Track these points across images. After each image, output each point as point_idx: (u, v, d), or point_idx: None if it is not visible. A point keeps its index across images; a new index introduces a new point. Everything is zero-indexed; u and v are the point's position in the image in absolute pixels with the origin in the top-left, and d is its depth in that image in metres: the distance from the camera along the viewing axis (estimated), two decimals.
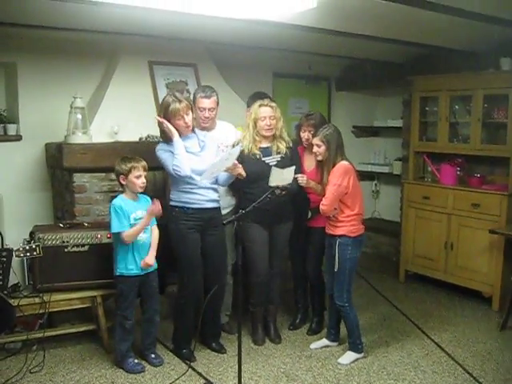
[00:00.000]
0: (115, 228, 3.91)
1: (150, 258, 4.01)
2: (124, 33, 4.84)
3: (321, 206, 4.09)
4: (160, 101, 5.08)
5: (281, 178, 4.03)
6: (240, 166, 4.02)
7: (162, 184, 4.87)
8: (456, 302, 5.56)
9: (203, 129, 4.35)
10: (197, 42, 5.28)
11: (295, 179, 4.15)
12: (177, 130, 3.97)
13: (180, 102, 3.92)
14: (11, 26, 4.38)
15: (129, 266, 3.96)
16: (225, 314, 4.72)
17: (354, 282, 4.31)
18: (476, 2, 3.91)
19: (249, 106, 4.64)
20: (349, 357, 4.25)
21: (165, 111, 3.96)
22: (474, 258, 5.43)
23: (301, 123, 4.57)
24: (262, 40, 5.23)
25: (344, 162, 4.10)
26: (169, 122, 3.96)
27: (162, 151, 4.02)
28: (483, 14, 4.14)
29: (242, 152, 4.23)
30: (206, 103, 4.34)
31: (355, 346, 4.27)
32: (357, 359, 4.25)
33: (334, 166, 4.08)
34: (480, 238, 5.36)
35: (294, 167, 4.11)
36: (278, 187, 3.96)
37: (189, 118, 3.97)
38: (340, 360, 4.24)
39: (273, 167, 4.10)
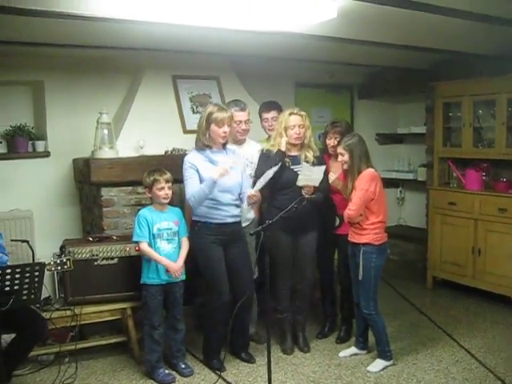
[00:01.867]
0: (135, 237, 4.05)
1: (177, 264, 4.05)
2: (147, 48, 4.92)
3: (347, 212, 4.11)
4: (184, 114, 5.20)
5: (310, 177, 4.13)
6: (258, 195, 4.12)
7: None
8: (485, 307, 5.51)
9: (238, 141, 4.49)
10: (219, 54, 5.33)
11: (322, 187, 4.25)
12: (212, 138, 4.07)
13: (226, 111, 4.08)
14: (38, 46, 4.50)
15: (150, 275, 4.03)
16: (250, 326, 4.73)
17: (382, 289, 4.31)
18: (496, 5, 3.90)
19: (260, 115, 4.81)
20: (378, 364, 4.24)
21: (208, 116, 4.05)
22: (503, 262, 5.38)
23: (327, 130, 4.64)
24: (283, 51, 5.27)
25: (370, 170, 4.13)
26: (208, 128, 4.06)
27: (189, 169, 4.06)
28: (503, 17, 4.13)
29: (274, 156, 4.31)
30: (241, 116, 4.45)
31: (384, 354, 4.26)
32: (386, 367, 4.24)
33: (359, 173, 4.11)
34: (508, 243, 5.31)
35: (324, 166, 4.23)
36: (305, 198, 4.01)
37: (227, 130, 4.07)
38: (369, 368, 4.24)
39: (303, 163, 4.18)
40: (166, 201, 4.09)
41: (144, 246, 4.02)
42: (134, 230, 4.07)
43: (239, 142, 4.56)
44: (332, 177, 4.35)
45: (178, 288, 4.12)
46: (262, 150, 4.46)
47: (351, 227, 4.22)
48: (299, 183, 4.16)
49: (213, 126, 4.04)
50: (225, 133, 4.06)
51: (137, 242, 4.06)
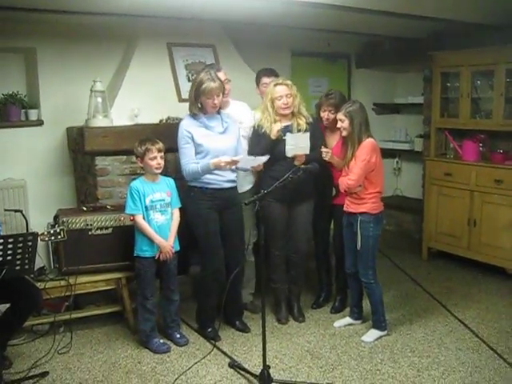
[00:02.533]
0: (128, 210, 4.01)
1: (169, 243, 4.03)
2: (142, 15, 4.84)
3: (347, 181, 4.09)
4: (179, 82, 5.14)
5: (297, 145, 4.12)
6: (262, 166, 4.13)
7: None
8: (480, 278, 5.53)
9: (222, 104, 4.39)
10: (215, 21, 5.26)
11: (316, 156, 4.24)
12: (203, 107, 4.03)
13: (215, 81, 3.97)
14: (30, 11, 4.41)
15: (143, 247, 4.01)
16: (248, 293, 4.76)
17: (377, 259, 4.31)
18: None
19: (256, 82, 4.68)
20: (372, 334, 4.27)
21: (197, 87, 3.99)
22: (498, 234, 5.38)
23: (321, 103, 4.56)
24: (279, 18, 5.19)
25: (371, 140, 4.11)
26: (198, 98, 4.00)
27: (184, 137, 4.04)
28: None
29: (264, 133, 4.26)
30: (220, 76, 4.30)
31: (379, 324, 4.28)
32: (380, 337, 4.26)
33: (359, 142, 4.08)
34: (503, 215, 5.31)
35: (308, 134, 4.19)
36: (300, 168, 3.97)
37: (218, 100, 4.02)
38: (364, 338, 4.26)
39: (288, 134, 4.14)
40: (159, 171, 4.04)
41: (139, 219, 3.98)
42: (126, 203, 4.02)
43: (223, 105, 4.41)
44: (328, 155, 4.30)
45: (172, 259, 4.10)
46: (254, 126, 4.40)
47: (348, 197, 4.21)
48: (288, 154, 4.13)
49: (202, 98, 3.99)
50: (215, 104, 4.02)
51: (131, 215, 4.02)
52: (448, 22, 5.39)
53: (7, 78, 5.12)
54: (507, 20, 5.29)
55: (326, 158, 4.30)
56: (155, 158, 3.98)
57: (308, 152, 4.19)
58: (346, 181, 4.12)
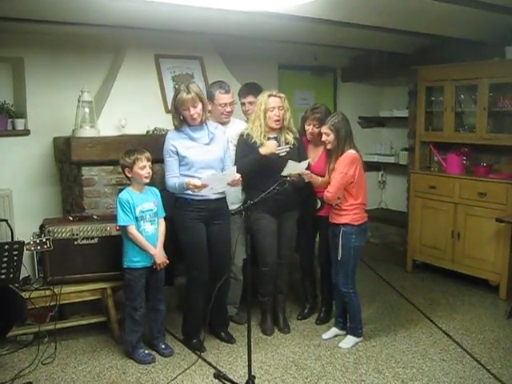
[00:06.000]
0: (121, 221, 3.97)
1: (158, 253, 4.04)
2: (130, 27, 4.86)
3: (326, 193, 4.15)
4: (166, 93, 5.17)
5: (294, 169, 4.10)
6: (239, 176, 3.97)
7: None
8: (463, 290, 5.58)
9: (223, 124, 4.43)
10: (202, 34, 5.28)
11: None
12: (184, 119, 4.04)
13: (188, 92, 3.95)
14: (18, 21, 4.41)
15: (134, 258, 3.99)
16: (233, 307, 4.76)
17: (362, 271, 4.36)
18: None
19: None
20: (349, 341, 4.34)
21: (174, 98, 4.03)
22: (481, 246, 5.44)
23: (306, 116, 4.58)
24: (267, 32, 5.23)
25: (351, 151, 4.15)
26: (177, 110, 4.02)
27: (168, 150, 4.05)
28: (488, 2, 4.14)
29: (253, 143, 4.28)
30: (226, 98, 4.41)
31: (356, 331, 4.37)
32: (356, 343, 4.34)
33: (342, 153, 4.12)
34: (487, 227, 5.36)
35: (308, 160, 4.21)
36: (287, 179, 4.00)
37: (195, 111, 3.98)
38: (341, 344, 4.33)
39: (289, 160, 4.10)
40: (148, 180, 4.03)
41: (132, 230, 3.94)
42: (117, 215, 3.97)
43: (224, 124, 4.49)
44: (308, 175, 4.30)
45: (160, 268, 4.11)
46: (242, 135, 4.40)
47: (332, 209, 4.25)
48: (284, 173, 4.10)
49: (180, 109, 4.01)
50: (191, 115, 3.99)
51: (124, 227, 3.98)
52: (434, 37, 5.47)
53: None
54: (490, 36, 5.38)
55: (306, 180, 4.32)
56: (145, 166, 3.97)
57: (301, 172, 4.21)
58: (325, 193, 4.17)
